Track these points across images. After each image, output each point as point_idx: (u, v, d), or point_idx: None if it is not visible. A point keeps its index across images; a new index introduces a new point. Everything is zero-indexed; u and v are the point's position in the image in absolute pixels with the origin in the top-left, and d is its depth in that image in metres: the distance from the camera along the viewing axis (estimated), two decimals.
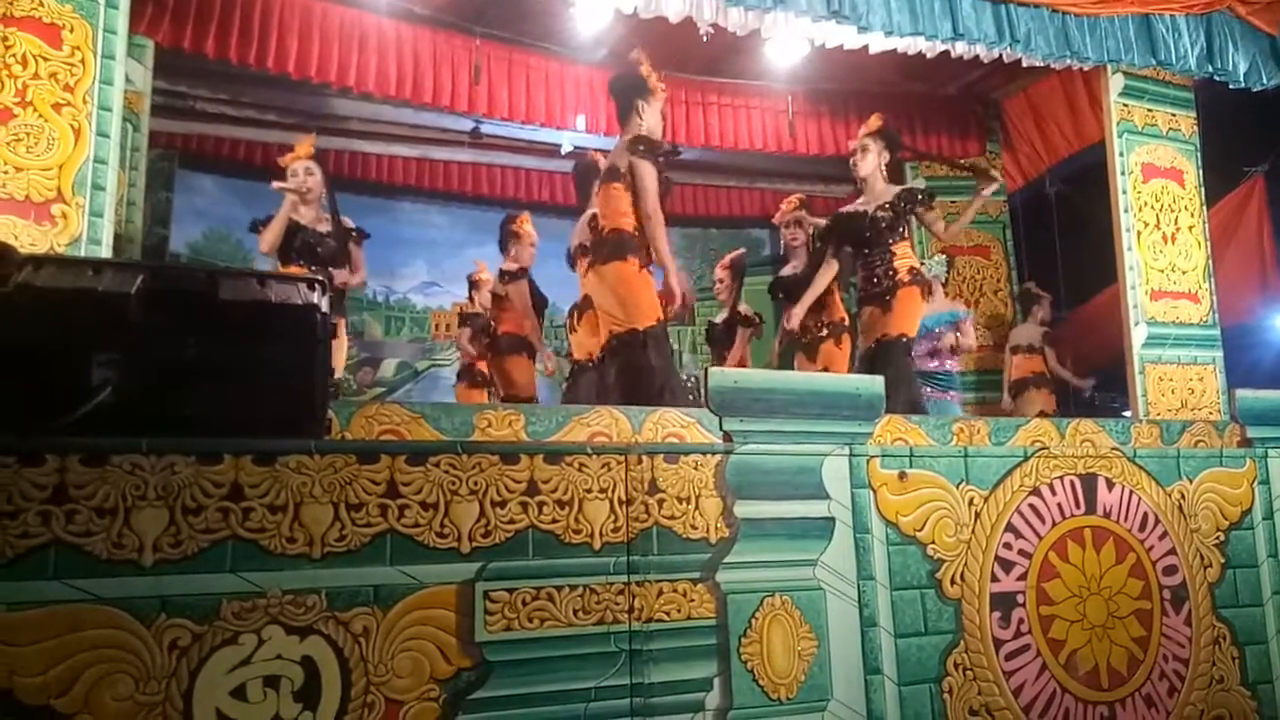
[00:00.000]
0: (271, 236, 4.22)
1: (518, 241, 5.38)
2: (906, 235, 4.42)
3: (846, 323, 5.07)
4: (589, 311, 5.00)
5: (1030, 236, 7.33)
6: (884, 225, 4.34)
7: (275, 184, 4.32)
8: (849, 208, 4.54)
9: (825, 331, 5.06)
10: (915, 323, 4.37)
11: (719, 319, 5.77)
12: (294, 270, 4.20)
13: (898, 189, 4.44)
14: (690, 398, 4.71)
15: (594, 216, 4.06)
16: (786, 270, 5.32)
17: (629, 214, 3.70)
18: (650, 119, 3.83)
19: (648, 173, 3.68)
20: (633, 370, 3.55)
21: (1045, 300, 6.64)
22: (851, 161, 4.51)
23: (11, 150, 2.99)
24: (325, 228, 4.35)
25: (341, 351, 4.42)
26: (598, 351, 4.00)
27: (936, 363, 5.46)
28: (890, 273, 4.34)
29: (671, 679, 2.22)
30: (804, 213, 5.30)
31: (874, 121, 4.53)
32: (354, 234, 4.45)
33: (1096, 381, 6.65)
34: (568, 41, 5.69)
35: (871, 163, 4.44)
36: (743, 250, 6.14)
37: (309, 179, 4.32)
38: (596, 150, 5.18)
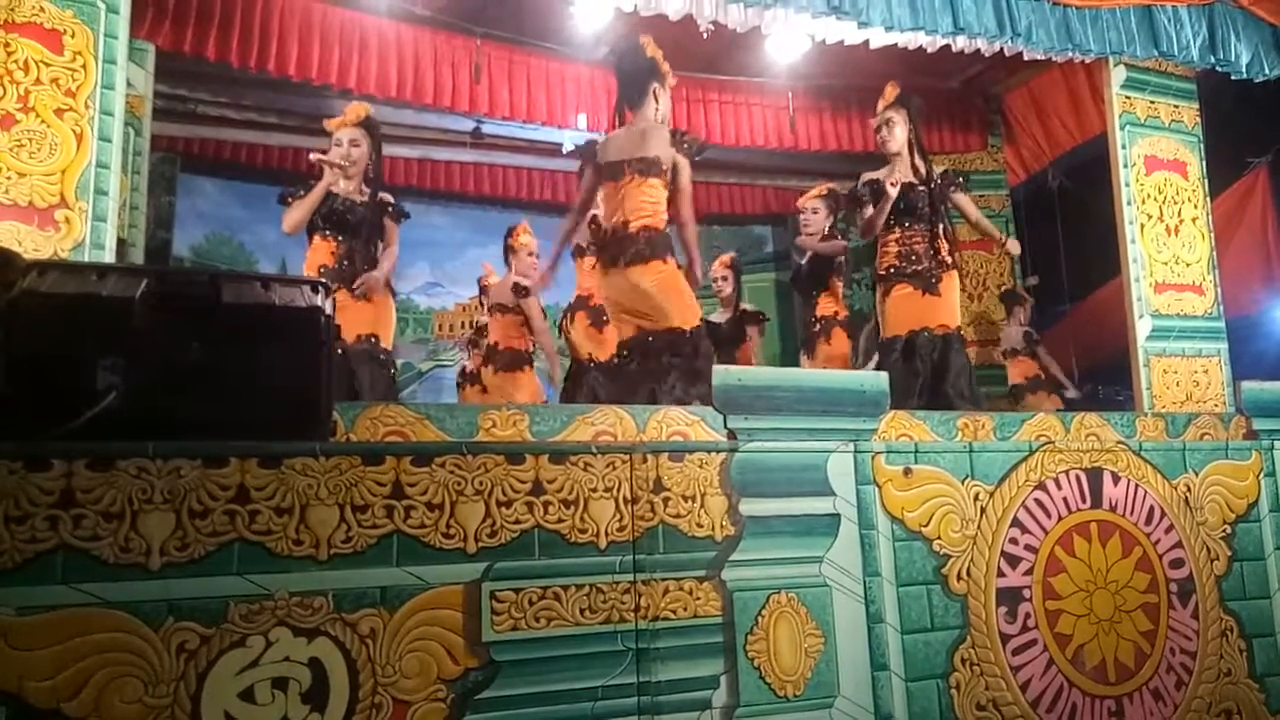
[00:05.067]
0: (299, 215, 3.85)
1: (514, 255, 5.39)
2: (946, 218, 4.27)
3: (840, 317, 5.05)
4: (580, 312, 5.00)
5: (1033, 230, 7.31)
6: (929, 202, 4.17)
7: (314, 155, 3.92)
8: (890, 179, 4.24)
9: (818, 326, 5.06)
10: (959, 312, 4.22)
11: (719, 318, 5.78)
12: (319, 241, 3.93)
13: (939, 169, 4.33)
14: None
15: (596, 215, 3.96)
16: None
17: (661, 210, 3.54)
18: (665, 104, 3.75)
19: (688, 173, 3.57)
20: (691, 372, 3.38)
21: (1028, 303, 6.62)
22: (879, 137, 4.36)
23: (14, 156, 3.00)
24: (360, 198, 3.98)
25: (388, 315, 4.06)
26: (607, 352, 3.92)
27: None
28: (933, 253, 4.17)
29: (678, 677, 2.22)
30: (822, 202, 5.28)
31: (892, 91, 4.36)
32: (390, 210, 4.08)
33: (1084, 392, 6.61)
34: (568, 40, 5.69)
35: (901, 136, 4.28)
36: (734, 253, 6.16)
37: (353, 150, 3.95)
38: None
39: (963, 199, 4.35)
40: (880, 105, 4.37)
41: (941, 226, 4.20)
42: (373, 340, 3.89)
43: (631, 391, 3.44)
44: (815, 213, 5.23)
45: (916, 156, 4.30)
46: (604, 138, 3.89)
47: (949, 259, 4.16)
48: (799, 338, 5.30)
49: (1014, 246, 4.56)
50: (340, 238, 3.93)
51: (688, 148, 3.62)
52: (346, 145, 3.97)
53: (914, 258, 4.16)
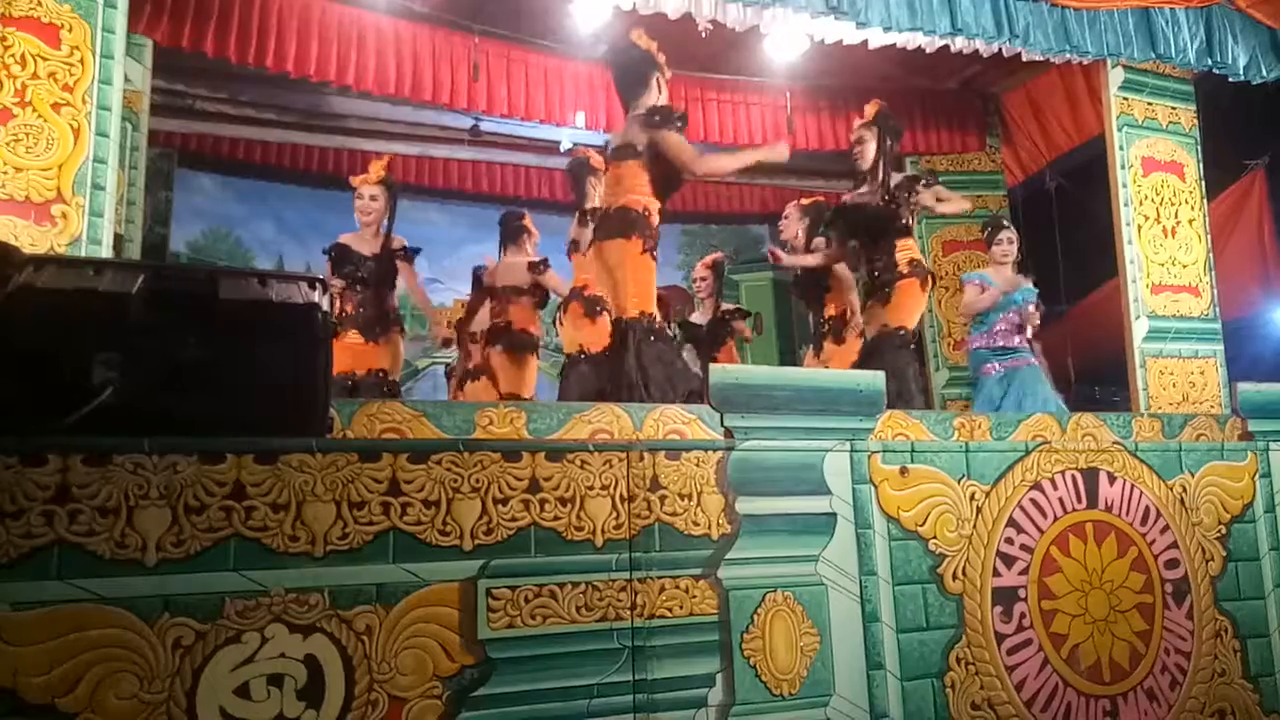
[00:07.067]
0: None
1: (529, 237, 5.43)
2: (910, 226, 4.38)
3: (847, 317, 5.07)
4: (574, 303, 5.02)
5: (1030, 231, 7.31)
6: (887, 216, 4.28)
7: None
8: (852, 197, 4.45)
9: (826, 327, 5.08)
10: (914, 315, 4.32)
11: (701, 319, 5.77)
12: (334, 288, 4.40)
13: (899, 177, 4.40)
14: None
15: (583, 212, 4.00)
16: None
17: (641, 191, 3.62)
18: (664, 93, 3.81)
19: (675, 139, 3.61)
20: (614, 368, 3.48)
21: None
22: (853, 154, 4.45)
23: (11, 150, 2.99)
24: (370, 249, 4.56)
25: (396, 352, 4.67)
26: (600, 342, 3.95)
27: (1019, 339, 5.08)
28: (891, 264, 4.29)
29: (674, 675, 2.22)
30: (795, 210, 5.31)
31: (870, 110, 4.46)
32: (402, 254, 4.67)
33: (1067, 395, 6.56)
34: (566, 38, 5.69)
35: (869, 154, 4.37)
36: (721, 254, 6.17)
37: (371, 204, 4.58)
38: (592, 147, 5.18)
39: (927, 196, 4.36)
40: (858, 123, 4.46)
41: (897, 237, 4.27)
42: (381, 374, 4.47)
43: (611, 385, 3.48)
44: (786, 218, 5.29)
45: (882, 173, 4.34)
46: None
47: (906, 268, 4.21)
48: (807, 339, 5.30)
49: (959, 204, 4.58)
50: (356, 288, 4.50)
51: (659, 121, 3.63)
52: (366, 199, 4.59)
53: (873, 271, 4.32)
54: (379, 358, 4.50)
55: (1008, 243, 5.11)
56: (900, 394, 3.97)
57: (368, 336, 4.48)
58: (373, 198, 4.59)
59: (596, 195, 4.67)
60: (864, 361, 4.14)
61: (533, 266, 5.28)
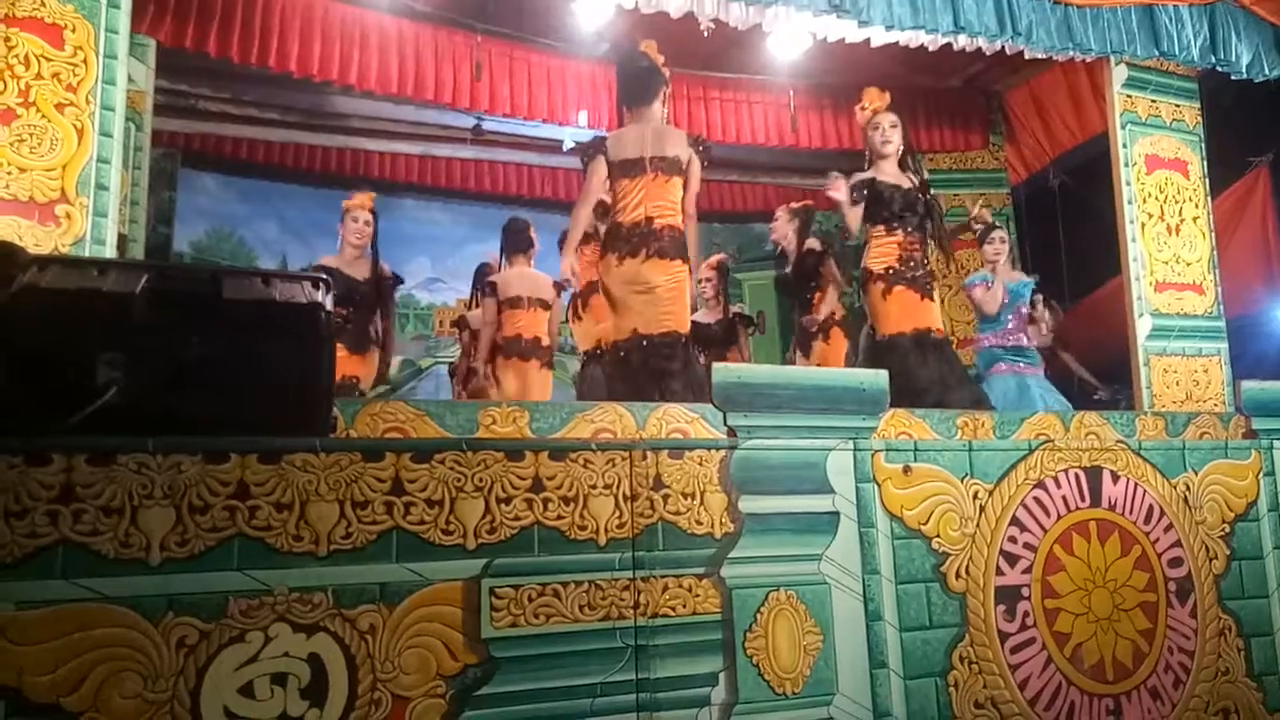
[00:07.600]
0: None
1: (534, 249, 5.46)
2: None
3: (836, 317, 5.06)
4: (595, 297, 4.98)
5: (1034, 229, 7.31)
6: (934, 209, 4.16)
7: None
8: (879, 174, 4.17)
9: (814, 328, 5.07)
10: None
11: (707, 319, 5.77)
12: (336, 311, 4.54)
13: (920, 176, 4.34)
14: None
15: (607, 205, 3.99)
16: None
17: (678, 210, 3.68)
18: (666, 107, 3.86)
19: (699, 173, 3.76)
20: (695, 371, 3.55)
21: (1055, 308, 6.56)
22: (881, 139, 4.19)
23: (15, 151, 3.00)
24: (361, 273, 4.75)
25: (372, 366, 4.86)
26: (607, 342, 3.90)
27: (1026, 339, 5.07)
28: (925, 262, 4.16)
29: (677, 674, 2.22)
30: (784, 212, 5.33)
31: (883, 96, 4.23)
32: (389, 280, 4.91)
33: (1111, 392, 6.46)
34: (569, 37, 5.70)
35: (900, 139, 4.19)
36: (724, 255, 6.19)
37: (366, 229, 4.78)
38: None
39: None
40: (871, 106, 4.24)
41: (938, 235, 4.20)
42: (354, 380, 4.66)
43: (637, 388, 3.46)
44: (775, 219, 5.31)
45: (910, 163, 4.27)
46: (610, 134, 3.93)
47: (933, 269, 4.20)
48: (795, 338, 5.30)
49: (985, 214, 4.60)
50: (343, 309, 4.65)
51: (703, 150, 3.76)
52: (361, 224, 4.78)
53: (913, 263, 4.09)
54: (354, 366, 4.69)
55: (1000, 242, 5.18)
56: (979, 401, 3.96)
57: (351, 350, 4.67)
58: (366, 223, 4.78)
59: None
60: (904, 357, 3.91)
61: (557, 286, 5.30)
